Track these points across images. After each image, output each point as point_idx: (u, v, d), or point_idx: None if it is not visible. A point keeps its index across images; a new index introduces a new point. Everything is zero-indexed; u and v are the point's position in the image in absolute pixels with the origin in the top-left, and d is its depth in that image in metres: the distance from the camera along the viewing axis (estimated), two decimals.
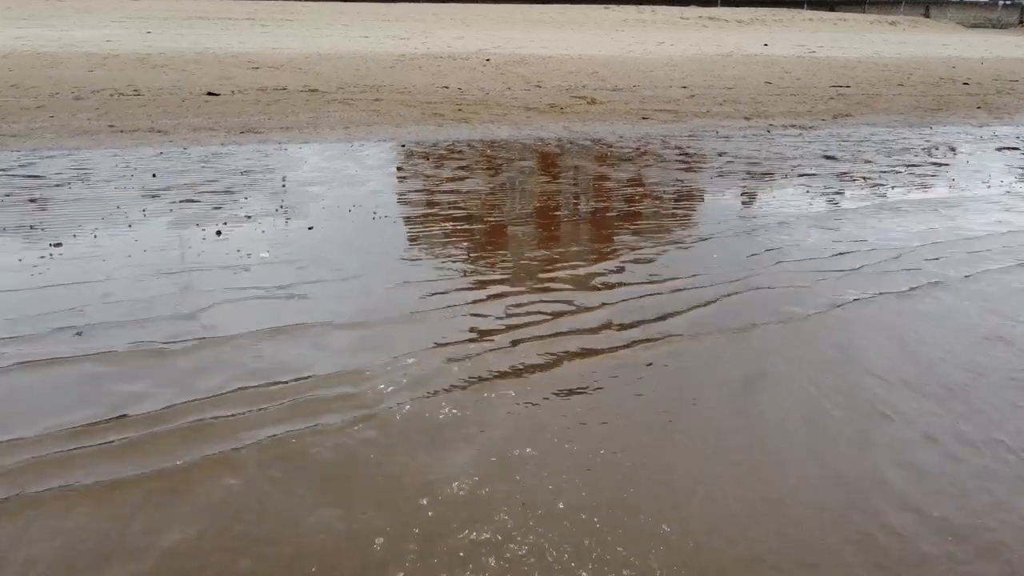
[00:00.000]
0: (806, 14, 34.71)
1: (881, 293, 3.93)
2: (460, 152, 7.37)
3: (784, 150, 7.90)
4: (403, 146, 7.58)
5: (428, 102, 9.85)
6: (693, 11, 32.74)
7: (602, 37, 21.40)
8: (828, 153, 7.75)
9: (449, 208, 5.31)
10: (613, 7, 33.40)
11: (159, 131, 7.82)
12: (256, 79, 10.90)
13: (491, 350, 3.19)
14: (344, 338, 3.28)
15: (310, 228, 4.72)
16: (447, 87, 11.01)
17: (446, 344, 3.23)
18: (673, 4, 35.34)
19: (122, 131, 7.76)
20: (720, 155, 7.52)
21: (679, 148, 7.84)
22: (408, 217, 5.08)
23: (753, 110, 10.33)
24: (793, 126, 9.43)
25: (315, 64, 12.52)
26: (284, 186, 5.79)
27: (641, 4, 34.82)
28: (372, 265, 4.13)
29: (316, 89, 10.35)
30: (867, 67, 15.17)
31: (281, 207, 5.21)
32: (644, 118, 9.50)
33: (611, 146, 7.88)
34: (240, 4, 28.59)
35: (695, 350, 3.24)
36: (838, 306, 3.74)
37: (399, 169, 6.59)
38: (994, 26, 36.97)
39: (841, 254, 4.53)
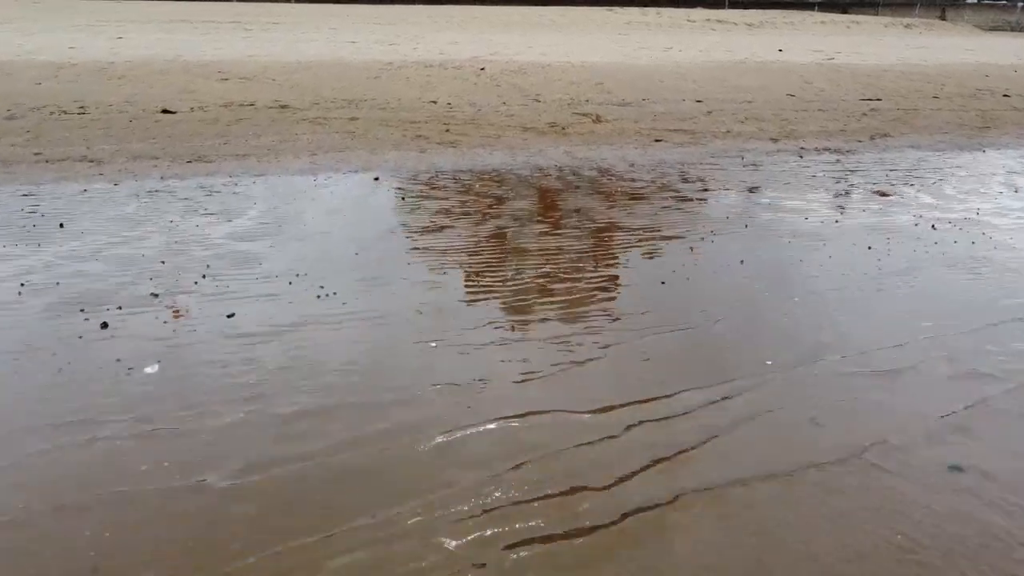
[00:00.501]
0: (818, 16, 33.51)
1: (942, 416, 2.90)
2: (443, 187, 6.21)
3: (825, 182, 6.73)
4: (376, 179, 6.41)
5: (412, 121, 8.70)
6: (700, 13, 31.54)
7: (605, 41, 20.24)
8: (878, 187, 6.57)
9: (417, 280, 4.15)
10: (616, 9, 32.23)
11: (92, 160, 6.67)
12: (222, 93, 9.75)
13: (426, 545, 2.04)
14: (207, 510, 2.16)
15: (230, 316, 3.57)
16: (435, 102, 9.86)
17: (348, 530, 2.09)
18: (678, 6, 34.13)
19: (48, 160, 6.61)
20: (751, 191, 6.35)
21: (701, 181, 6.67)
22: (360, 296, 3.91)
23: (780, 129, 9.16)
24: (828, 149, 8.26)
25: (292, 73, 11.36)
26: (215, 245, 4.64)
27: (645, 6, 33.63)
28: (288, 380, 2.99)
29: (287, 105, 9.20)
30: (894, 76, 13.98)
31: (203, 278, 4.05)
32: (657, 140, 8.33)
33: (621, 178, 6.71)
34: (227, 6, 27.47)
35: (697, 527, 2.25)
36: (878, 444, 2.70)
37: (366, 215, 5.43)
38: (1012, 29, 35.68)
39: (897, 346, 3.47)
